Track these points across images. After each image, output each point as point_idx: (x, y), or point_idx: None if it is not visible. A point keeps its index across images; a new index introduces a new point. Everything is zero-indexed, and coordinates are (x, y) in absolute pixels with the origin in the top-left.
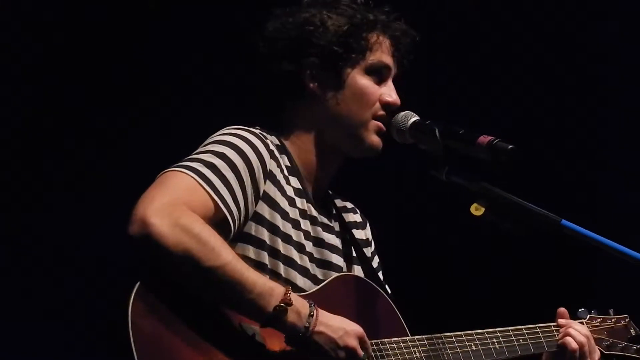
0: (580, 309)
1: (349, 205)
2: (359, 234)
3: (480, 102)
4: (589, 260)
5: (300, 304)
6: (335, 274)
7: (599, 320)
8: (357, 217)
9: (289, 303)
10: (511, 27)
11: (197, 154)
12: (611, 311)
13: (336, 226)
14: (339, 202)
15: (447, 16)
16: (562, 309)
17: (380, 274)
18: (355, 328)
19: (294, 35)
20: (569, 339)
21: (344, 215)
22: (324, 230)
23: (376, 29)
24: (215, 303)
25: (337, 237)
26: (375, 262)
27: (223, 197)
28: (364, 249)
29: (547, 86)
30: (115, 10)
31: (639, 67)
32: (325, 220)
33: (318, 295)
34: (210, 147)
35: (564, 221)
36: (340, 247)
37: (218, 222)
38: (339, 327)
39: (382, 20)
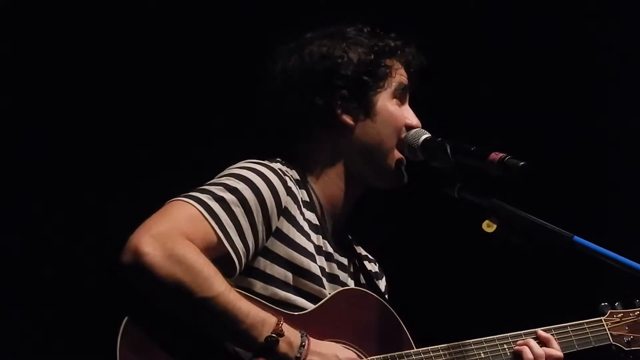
0: (603, 303)
1: (369, 255)
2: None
3: (490, 119)
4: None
5: (292, 334)
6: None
7: (619, 315)
8: (375, 267)
9: (280, 334)
10: (519, 45)
11: (209, 185)
12: (637, 302)
13: (351, 267)
14: (359, 249)
15: (450, 37)
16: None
17: None
18: (348, 355)
19: (320, 69)
20: (525, 347)
21: (364, 262)
22: (338, 268)
23: (395, 55)
24: (207, 334)
25: (350, 277)
26: None
27: (228, 233)
28: (381, 293)
29: (558, 101)
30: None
31: None
32: (340, 259)
33: (319, 311)
34: (224, 180)
35: (575, 237)
36: (353, 286)
37: (220, 257)
38: (332, 354)
39: (398, 45)
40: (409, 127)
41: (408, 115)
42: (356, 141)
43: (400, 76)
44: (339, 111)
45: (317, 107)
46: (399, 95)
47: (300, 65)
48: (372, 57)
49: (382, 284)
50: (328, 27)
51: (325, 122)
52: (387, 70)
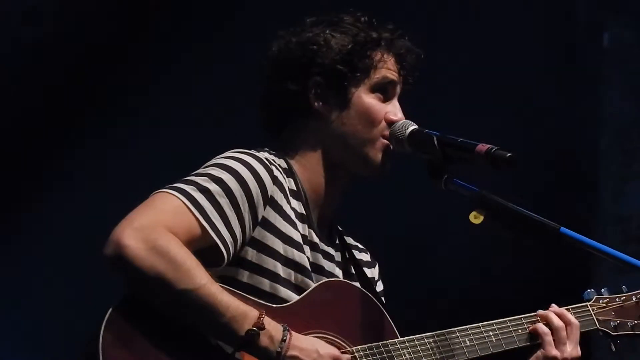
0: (588, 289)
1: (360, 245)
2: (366, 271)
3: (477, 113)
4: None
5: (273, 328)
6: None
7: (605, 300)
8: (366, 257)
9: (261, 327)
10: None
11: (194, 175)
12: (624, 288)
13: (337, 256)
14: (349, 240)
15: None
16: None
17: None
18: (329, 350)
19: (298, 55)
20: (539, 324)
21: (354, 252)
22: (324, 258)
23: (380, 47)
24: (189, 327)
25: (337, 266)
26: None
27: (214, 224)
28: (369, 284)
29: (544, 90)
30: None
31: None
32: (326, 249)
33: (302, 303)
34: (208, 170)
35: (562, 229)
36: (341, 277)
37: (207, 248)
38: (313, 350)
39: (386, 37)
40: (391, 123)
41: (391, 110)
42: (332, 129)
43: (386, 70)
44: (312, 98)
45: (292, 93)
46: (381, 89)
47: (284, 51)
48: (352, 47)
49: (374, 272)
50: (328, 15)
51: (302, 109)
52: (369, 63)
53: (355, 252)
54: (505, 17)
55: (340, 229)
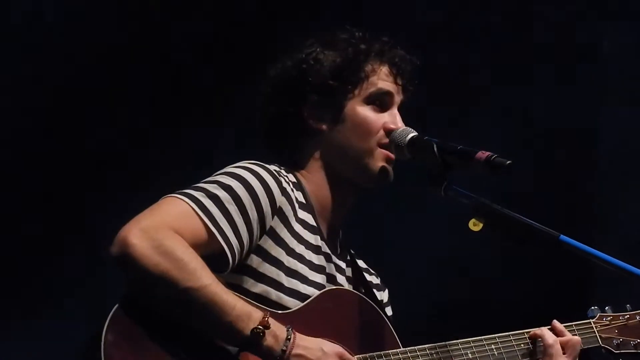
0: (592, 307)
1: (371, 270)
2: (375, 293)
3: (477, 119)
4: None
5: (277, 328)
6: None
7: (609, 318)
8: (376, 280)
9: (266, 326)
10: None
11: (203, 183)
12: (628, 306)
13: (348, 271)
14: (360, 263)
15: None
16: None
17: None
18: (334, 349)
19: (292, 76)
20: (537, 341)
21: (364, 274)
22: (336, 270)
23: (371, 58)
24: (191, 327)
25: (347, 281)
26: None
27: (222, 229)
28: (379, 301)
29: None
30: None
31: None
32: (338, 262)
33: (304, 310)
34: (218, 178)
35: (562, 236)
36: (338, 287)
37: (212, 252)
38: (318, 348)
39: (377, 48)
40: (389, 132)
41: (389, 119)
42: (331, 144)
43: (380, 81)
44: (309, 117)
45: (289, 114)
46: (376, 100)
47: (279, 73)
48: (341, 61)
49: (384, 296)
50: (322, 36)
51: (300, 128)
52: (361, 75)
53: (366, 275)
54: (505, 18)
55: (352, 251)
